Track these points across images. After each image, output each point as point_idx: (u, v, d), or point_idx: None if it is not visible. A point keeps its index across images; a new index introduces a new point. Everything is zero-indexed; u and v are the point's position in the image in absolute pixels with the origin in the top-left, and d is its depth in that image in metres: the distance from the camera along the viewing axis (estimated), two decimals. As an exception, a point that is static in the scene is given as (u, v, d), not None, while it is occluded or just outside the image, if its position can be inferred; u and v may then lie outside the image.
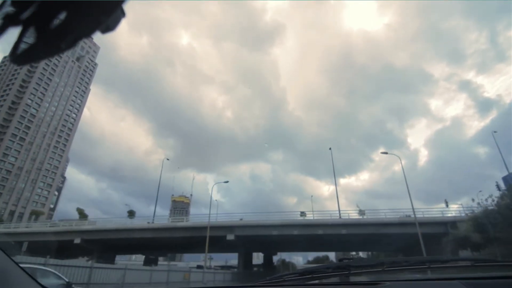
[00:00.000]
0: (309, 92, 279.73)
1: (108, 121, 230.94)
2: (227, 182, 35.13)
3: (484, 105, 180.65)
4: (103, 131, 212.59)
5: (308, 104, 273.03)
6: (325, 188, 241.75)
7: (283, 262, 65.94)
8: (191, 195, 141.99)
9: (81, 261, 28.84)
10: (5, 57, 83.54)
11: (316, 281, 1.58)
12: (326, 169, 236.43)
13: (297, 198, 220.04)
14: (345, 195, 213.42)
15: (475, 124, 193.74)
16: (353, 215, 34.79)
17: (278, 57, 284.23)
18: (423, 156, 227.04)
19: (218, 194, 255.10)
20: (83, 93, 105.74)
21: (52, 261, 15.00)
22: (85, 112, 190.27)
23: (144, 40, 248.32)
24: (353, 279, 1.57)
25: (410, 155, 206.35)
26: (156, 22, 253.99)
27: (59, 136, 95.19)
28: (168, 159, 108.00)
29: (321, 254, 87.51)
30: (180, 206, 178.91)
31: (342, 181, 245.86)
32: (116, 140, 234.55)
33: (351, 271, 1.56)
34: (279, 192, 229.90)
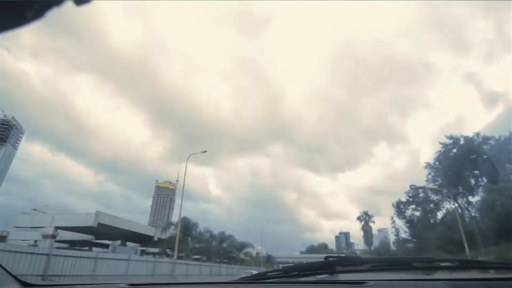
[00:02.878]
0: (308, 84, 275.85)
1: (104, 112, 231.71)
2: (205, 152, 30.70)
3: (490, 98, 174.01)
4: (99, 123, 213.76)
5: (307, 96, 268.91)
6: (325, 184, 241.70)
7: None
8: (176, 181, 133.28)
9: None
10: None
11: (301, 279, 1.58)
12: (325, 163, 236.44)
13: (298, 193, 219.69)
14: (346, 191, 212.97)
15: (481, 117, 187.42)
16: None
17: (276, 48, 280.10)
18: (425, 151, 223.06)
19: (218, 189, 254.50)
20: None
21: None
22: (81, 104, 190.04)
23: (137, 25, 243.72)
24: (338, 277, 1.56)
25: (413, 150, 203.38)
26: (149, 7, 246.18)
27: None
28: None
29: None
30: (164, 192, 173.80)
31: (342, 176, 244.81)
32: (112, 131, 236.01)
33: (336, 269, 1.56)
34: (279, 187, 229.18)
